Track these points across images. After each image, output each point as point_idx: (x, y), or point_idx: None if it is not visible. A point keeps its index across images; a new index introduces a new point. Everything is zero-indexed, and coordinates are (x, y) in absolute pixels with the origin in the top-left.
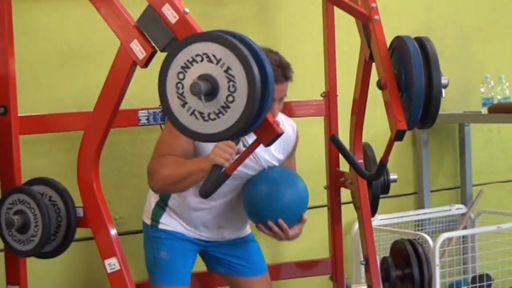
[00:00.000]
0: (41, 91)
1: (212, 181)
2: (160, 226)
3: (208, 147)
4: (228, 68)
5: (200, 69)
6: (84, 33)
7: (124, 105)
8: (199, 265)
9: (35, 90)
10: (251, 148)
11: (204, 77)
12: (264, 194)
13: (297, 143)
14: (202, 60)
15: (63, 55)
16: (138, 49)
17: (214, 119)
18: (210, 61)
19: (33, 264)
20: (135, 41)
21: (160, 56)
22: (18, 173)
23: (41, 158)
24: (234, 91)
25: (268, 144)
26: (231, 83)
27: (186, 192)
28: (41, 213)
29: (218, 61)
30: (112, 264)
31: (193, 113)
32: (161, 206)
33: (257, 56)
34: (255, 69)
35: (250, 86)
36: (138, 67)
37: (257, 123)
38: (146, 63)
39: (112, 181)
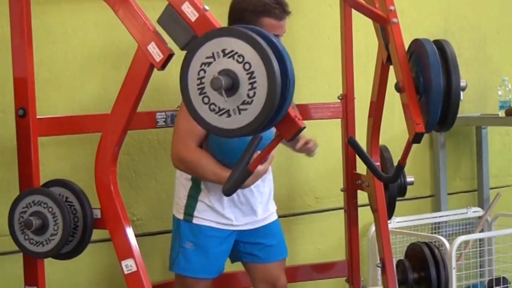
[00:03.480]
0: (59, 93)
1: (235, 178)
2: (195, 221)
3: None
4: (248, 63)
5: (220, 64)
6: (103, 36)
7: (142, 107)
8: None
9: (54, 92)
10: (272, 144)
11: (225, 72)
12: None
13: None
14: (222, 56)
15: (82, 57)
16: (155, 52)
17: (235, 114)
18: (230, 56)
19: (50, 265)
20: (153, 43)
21: (177, 59)
22: (36, 174)
23: (59, 160)
24: (255, 87)
25: (290, 139)
26: (251, 78)
27: None
28: (61, 213)
29: (238, 56)
30: (129, 265)
31: (214, 108)
32: (194, 196)
33: (278, 51)
34: (275, 64)
35: (270, 81)
36: (155, 69)
37: (278, 118)
38: (163, 66)
39: (129, 182)
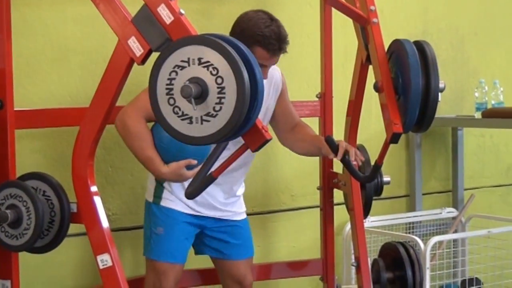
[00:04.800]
0: (37, 86)
1: (198, 183)
2: (162, 203)
3: None
4: (219, 72)
5: (191, 72)
6: (82, 29)
7: (120, 101)
8: (202, 262)
9: (31, 85)
10: (237, 153)
11: (195, 80)
12: None
13: (286, 85)
14: (197, 63)
15: (61, 50)
16: (135, 46)
17: (196, 123)
18: (201, 64)
19: (25, 259)
20: (133, 38)
21: (157, 54)
22: (12, 167)
23: (36, 153)
24: (222, 102)
25: (255, 149)
26: (221, 93)
27: None
28: (35, 207)
29: (213, 68)
30: (104, 260)
31: (177, 111)
32: (160, 182)
33: (248, 62)
34: (245, 76)
35: (239, 92)
36: (135, 64)
37: (246, 128)
38: (143, 60)
39: (105, 177)
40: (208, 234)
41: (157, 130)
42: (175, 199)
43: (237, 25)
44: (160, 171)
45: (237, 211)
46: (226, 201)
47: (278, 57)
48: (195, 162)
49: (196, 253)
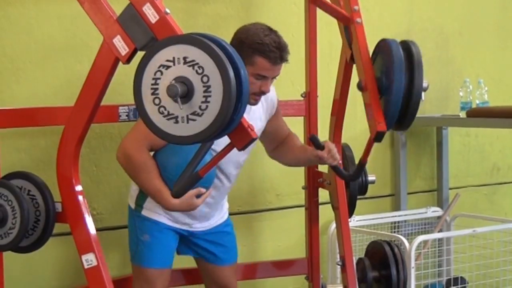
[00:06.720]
0: (22, 84)
1: (184, 182)
2: (143, 212)
3: None
4: (204, 71)
5: (176, 71)
6: (67, 28)
7: (105, 101)
8: (186, 262)
9: (16, 84)
10: (223, 152)
11: (180, 80)
12: None
13: (278, 103)
14: (183, 63)
15: (45, 49)
16: (121, 45)
17: (182, 122)
18: (186, 63)
19: (9, 259)
20: (118, 37)
21: (143, 53)
22: None
23: (21, 153)
24: (208, 101)
25: (241, 148)
26: (207, 92)
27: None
28: (20, 207)
29: (199, 67)
30: (89, 260)
31: (163, 111)
32: (144, 192)
33: (234, 61)
34: (231, 75)
35: (225, 91)
36: (120, 63)
37: (232, 127)
38: (128, 59)
39: (90, 176)
40: (193, 240)
41: (161, 161)
42: (157, 209)
43: (235, 37)
44: (170, 202)
45: (220, 215)
46: (209, 214)
47: (279, 67)
48: (204, 190)
49: (179, 253)
